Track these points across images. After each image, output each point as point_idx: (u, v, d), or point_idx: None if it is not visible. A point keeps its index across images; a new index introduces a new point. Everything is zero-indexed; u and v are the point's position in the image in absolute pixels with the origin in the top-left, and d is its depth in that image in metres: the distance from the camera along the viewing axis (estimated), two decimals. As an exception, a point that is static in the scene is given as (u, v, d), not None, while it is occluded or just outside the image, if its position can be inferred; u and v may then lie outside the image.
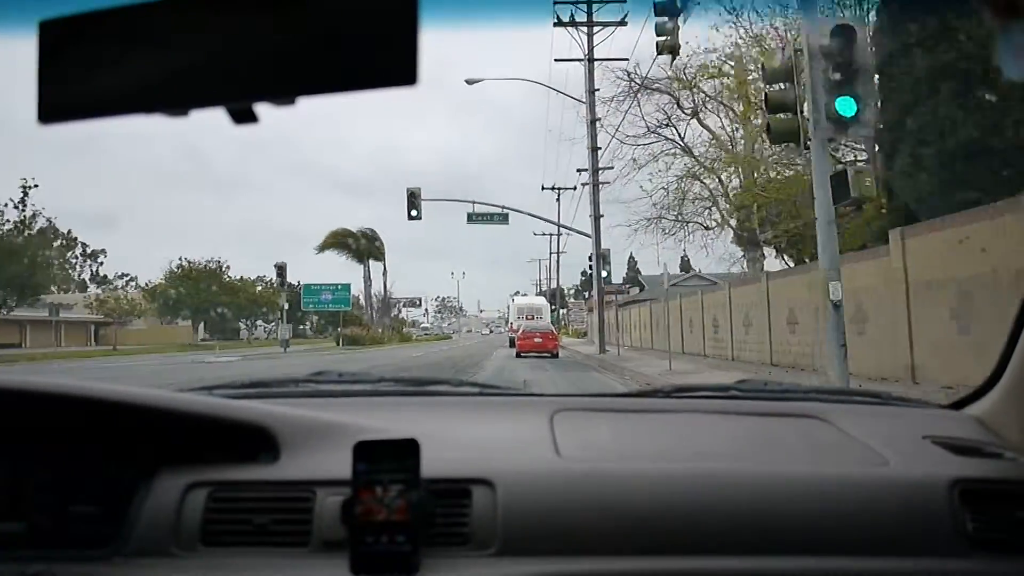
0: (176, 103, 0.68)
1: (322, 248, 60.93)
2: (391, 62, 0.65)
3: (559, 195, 41.70)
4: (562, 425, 1.45)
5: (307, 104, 0.68)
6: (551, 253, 63.20)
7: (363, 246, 61.76)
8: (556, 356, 27.15)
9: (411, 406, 1.67)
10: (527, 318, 42.57)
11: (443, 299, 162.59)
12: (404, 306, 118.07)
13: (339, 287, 54.30)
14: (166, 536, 1.18)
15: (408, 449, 1.13)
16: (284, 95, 0.67)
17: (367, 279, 62.70)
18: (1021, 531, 1.19)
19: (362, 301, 64.88)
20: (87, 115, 0.70)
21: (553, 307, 67.39)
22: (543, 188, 46.42)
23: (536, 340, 27.77)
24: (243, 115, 0.69)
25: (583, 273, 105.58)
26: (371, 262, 62.60)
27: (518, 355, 27.32)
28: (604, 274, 27.75)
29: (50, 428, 1.27)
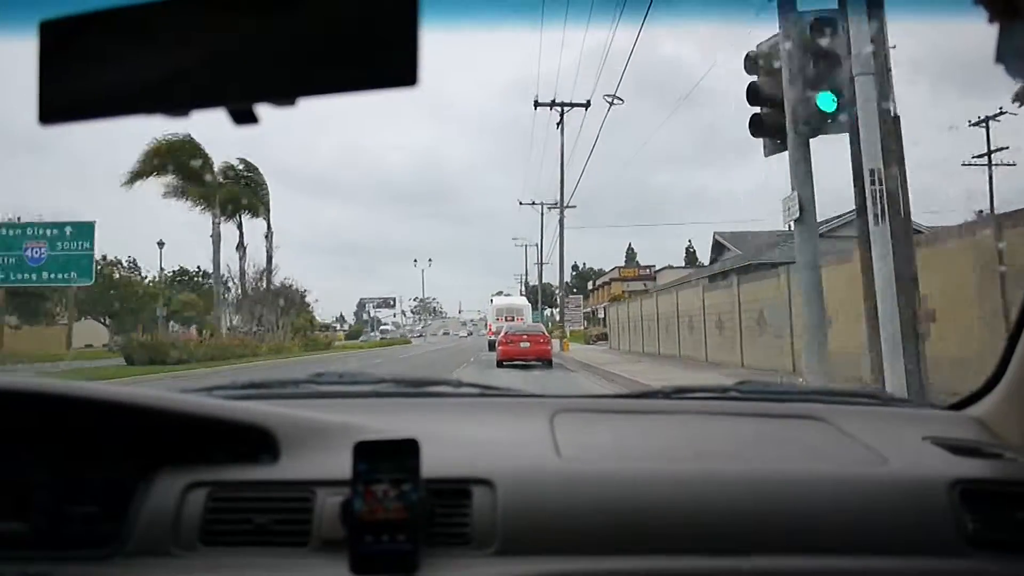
0: (177, 104, 0.68)
1: (133, 179, 31.65)
2: (391, 63, 0.65)
3: (562, 115, 30.17)
4: (562, 426, 1.45)
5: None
6: (555, 206, 44.63)
7: (211, 182, 33.07)
8: (550, 365, 21.76)
9: (411, 406, 1.68)
10: (507, 319, 35.55)
11: (421, 300, 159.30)
12: (376, 307, 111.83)
13: (65, 230, 22.37)
14: (166, 536, 1.18)
15: (408, 449, 1.13)
16: (284, 96, 0.67)
17: (219, 238, 34.03)
18: (1021, 531, 1.19)
19: (242, 279, 38.68)
20: (88, 116, 0.70)
21: (546, 306, 57.05)
22: (536, 105, 29.35)
23: (523, 344, 22.24)
24: (243, 116, 0.69)
25: (574, 267, 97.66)
26: (241, 218, 36.29)
27: (500, 364, 21.60)
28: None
29: (50, 428, 1.27)
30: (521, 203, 50.45)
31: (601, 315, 56.91)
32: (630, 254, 74.19)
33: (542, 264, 55.13)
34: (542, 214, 46.81)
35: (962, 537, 1.18)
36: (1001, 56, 0.86)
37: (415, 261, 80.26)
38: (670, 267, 59.82)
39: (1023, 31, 0.84)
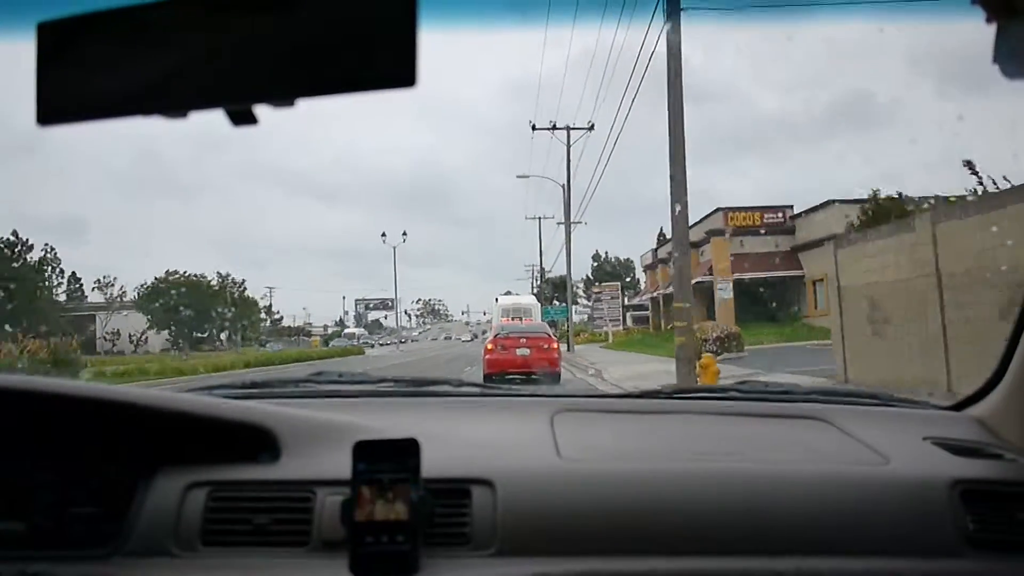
0: (175, 105, 0.68)
1: None
2: (390, 63, 0.65)
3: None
4: (563, 426, 1.45)
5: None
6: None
7: None
8: (557, 379, 15.74)
9: (411, 406, 1.68)
10: (514, 320, 26.70)
11: (426, 302, 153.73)
12: (372, 308, 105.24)
13: None
14: (166, 536, 1.18)
15: (408, 449, 1.13)
16: (283, 97, 0.67)
17: None
18: (1021, 532, 1.19)
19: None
20: (86, 117, 0.70)
21: (555, 300, 44.70)
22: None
23: (520, 351, 15.92)
24: (242, 116, 0.69)
25: (594, 257, 74.09)
26: None
27: (488, 379, 13.90)
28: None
29: (50, 428, 1.27)
30: (535, 128, 31.00)
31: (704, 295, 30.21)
32: (662, 241, 47.54)
33: (570, 221, 33.29)
34: (568, 143, 30.77)
35: (962, 537, 1.18)
36: (998, 55, 0.86)
37: (383, 235, 60.24)
38: (833, 202, 27.15)
39: (1020, 31, 0.84)
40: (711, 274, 31.11)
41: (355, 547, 1.10)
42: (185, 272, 59.91)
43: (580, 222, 33.09)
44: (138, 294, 59.95)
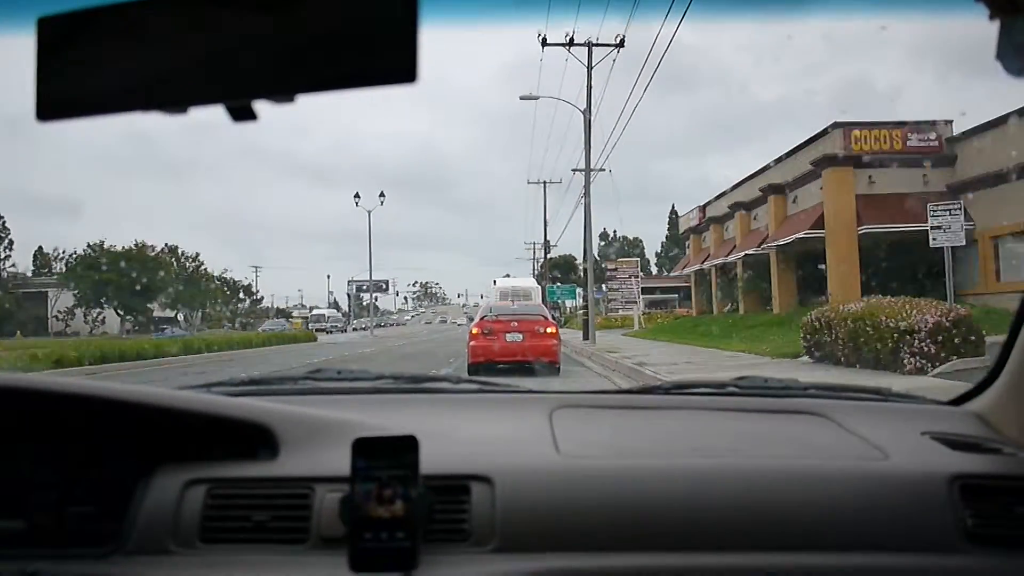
0: (175, 100, 0.68)
1: None
2: (391, 59, 0.65)
3: None
4: (562, 422, 1.45)
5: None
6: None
7: None
8: (556, 370, 13.38)
9: (410, 403, 1.68)
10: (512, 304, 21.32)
11: (423, 284, 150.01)
12: (364, 290, 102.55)
13: None
14: (165, 533, 1.18)
15: (407, 445, 1.13)
16: (284, 93, 0.67)
17: None
18: (1021, 526, 1.19)
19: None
20: (85, 112, 0.69)
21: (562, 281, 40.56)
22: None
23: (511, 336, 13.45)
24: (242, 113, 0.69)
25: (603, 236, 70.85)
26: None
27: (473, 370, 12.81)
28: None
29: (50, 426, 1.27)
30: (546, 43, 23.24)
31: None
32: (673, 219, 43.89)
33: (589, 162, 24.26)
34: (589, 65, 22.90)
35: (961, 532, 1.18)
36: (1001, 52, 0.86)
37: (356, 196, 47.55)
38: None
39: (1022, 28, 0.84)
40: (820, 227, 20.86)
41: (354, 544, 1.10)
42: (133, 243, 52.74)
43: (602, 169, 26.26)
44: (66, 265, 52.01)
